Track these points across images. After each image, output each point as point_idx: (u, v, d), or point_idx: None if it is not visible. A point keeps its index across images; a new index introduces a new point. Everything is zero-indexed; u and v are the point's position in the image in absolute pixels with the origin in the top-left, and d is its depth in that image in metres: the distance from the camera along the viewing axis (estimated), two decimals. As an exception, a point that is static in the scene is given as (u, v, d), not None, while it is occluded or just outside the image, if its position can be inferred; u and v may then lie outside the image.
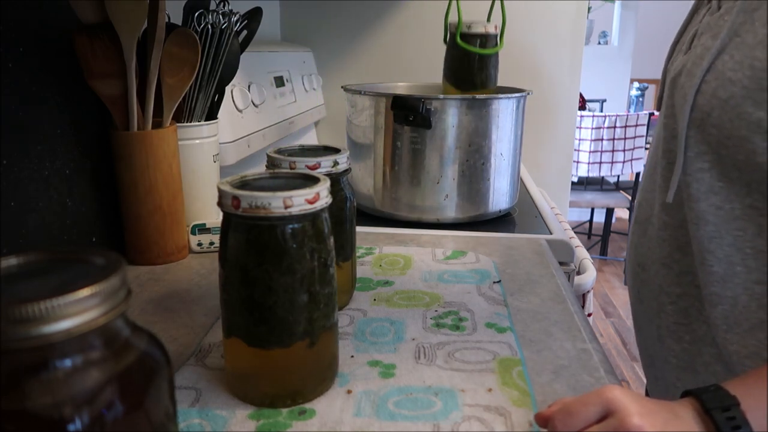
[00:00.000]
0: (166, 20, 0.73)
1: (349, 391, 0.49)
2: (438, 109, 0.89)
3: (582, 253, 1.01)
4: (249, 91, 1.07)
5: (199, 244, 0.80)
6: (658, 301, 0.67)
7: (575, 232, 1.36)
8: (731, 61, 0.54)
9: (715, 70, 0.56)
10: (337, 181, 0.59)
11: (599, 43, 4.12)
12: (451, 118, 0.90)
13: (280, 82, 1.28)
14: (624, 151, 2.91)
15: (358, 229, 0.66)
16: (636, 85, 3.79)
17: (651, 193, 0.70)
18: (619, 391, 0.42)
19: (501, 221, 0.99)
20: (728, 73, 0.54)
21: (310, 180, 0.47)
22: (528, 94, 0.98)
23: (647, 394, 0.86)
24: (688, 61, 0.61)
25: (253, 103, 1.08)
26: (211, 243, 0.81)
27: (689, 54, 0.61)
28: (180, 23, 0.79)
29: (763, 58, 0.51)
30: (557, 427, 0.41)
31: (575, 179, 3.13)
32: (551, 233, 0.91)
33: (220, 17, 0.80)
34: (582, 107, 3.12)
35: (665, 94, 0.66)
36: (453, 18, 1.07)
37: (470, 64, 1.05)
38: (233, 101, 1.01)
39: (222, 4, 0.81)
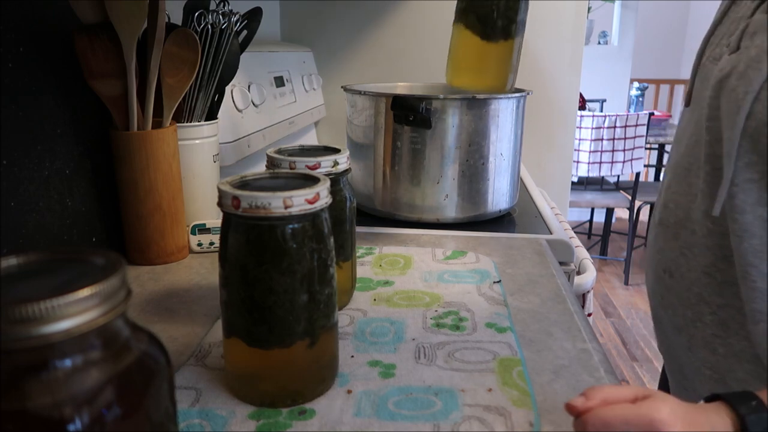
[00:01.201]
0: (166, 20, 0.73)
1: (349, 391, 0.49)
2: (438, 109, 0.89)
3: (582, 253, 1.01)
4: (249, 91, 1.07)
5: (199, 244, 0.80)
6: (694, 310, 0.64)
7: (575, 232, 1.36)
8: None
9: None
10: (337, 181, 0.59)
11: (599, 43, 4.12)
12: (451, 118, 0.90)
13: (280, 82, 1.28)
14: (624, 151, 2.91)
15: (358, 229, 0.66)
16: (636, 85, 3.78)
17: (685, 196, 0.65)
18: (667, 413, 0.38)
19: (501, 221, 0.99)
20: None
21: (310, 180, 0.47)
22: (528, 94, 0.98)
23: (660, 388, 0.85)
24: (740, 63, 0.56)
25: (253, 103, 1.08)
26: (211, 243, 0.81)
27: (740, 54, 0.57)
28: (180, 23, 0.79)
29: None
30: None
31: (575, 179, 3.13)
32: (551, 233, 0.91)
33: (220, 17, 0.80)
34: (582, 107, 3.12)
35: (709, 96, 0.61)
36: None
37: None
38: (233, 101, 1.01)
39: (222, 4, 0.81)
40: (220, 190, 0.44)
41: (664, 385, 0.84)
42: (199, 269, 0.76)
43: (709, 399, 0.44)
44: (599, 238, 3.60)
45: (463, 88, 0.99)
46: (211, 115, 0.85)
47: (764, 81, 0.52)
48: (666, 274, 0.68)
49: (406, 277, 0.72)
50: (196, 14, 0.78)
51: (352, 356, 0.54)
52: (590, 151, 2.91)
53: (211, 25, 0.79)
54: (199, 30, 0.78)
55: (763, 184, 0.55)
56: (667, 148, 3.38)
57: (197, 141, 0.82)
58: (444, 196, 0.93)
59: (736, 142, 0.55)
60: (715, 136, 0.60)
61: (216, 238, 0.80)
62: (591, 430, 0.39)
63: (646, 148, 3.00)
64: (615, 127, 2.86)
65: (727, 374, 0.62)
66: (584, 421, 0.39)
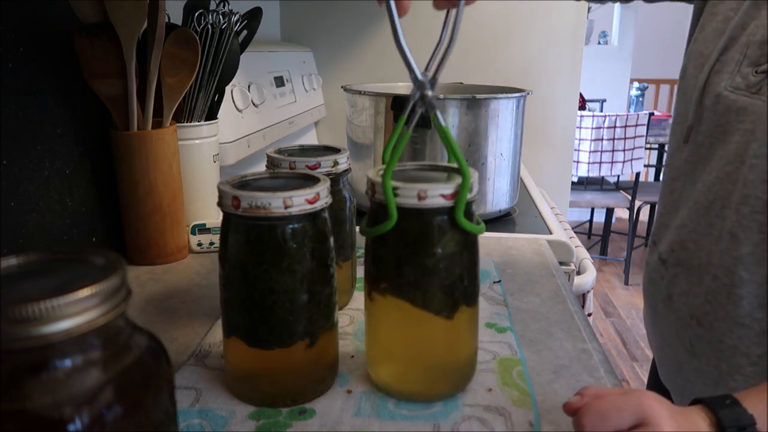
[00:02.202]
0: (166, 20, 0.73)
1: (349, 391, 0.49)
2: (438, 109, 0.89)
3: (582, 253, 1.01)
4: (249, 91, 1.07)
5: (199, 244, 0.80)
6: (731, 363, 0.60)
7: (575, 232, 1.36)
8: None
9: None
10: (337, 181, 0.59)
11: (599, 43, 4.12)
12: (451, 118, 0.90)
13: (280, 82, 1.28)
14: (624, 151, 2.91)
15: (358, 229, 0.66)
16: (636, 85, 3.78)
17: (707, 237, 0.61)
18: (655, 401, 0.40)
19: (501, 221, 0.99)
20: None
21: (310, 180, 0.47)
22: (528, 94, 0.98)
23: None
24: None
25: (253, 103, 1.08)
26: (211, 243, 0.81)
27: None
28: (180, 23, 0.79)
29: None
30: (586, 427, 0.40)
31: (575, 179, 3.13)
32: (551, 233, 0.91)
33: (220, 17, 0.80)
34: (582, 107, 3.12)
35: (713, 113, 0.58)
36: None
37: None
38: (233, 101, 1.01)
39: (222, 4, 0.81)
40: (220, 190, 0.44)
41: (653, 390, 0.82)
42: (199, 269, 0.76)
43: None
44: (599, 238, 3.60)
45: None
46: (211, 115, 0.85)
47: None
48: (694, 321, 0.63)
49: (406, 277, 0.72)
50: (196, 14, 0.78)
51: (352, 356, 0.54)
52: (590, 151, 2.91)
53: (211, 25, 0.79)
54: (199, 30, 0.78)
55: None
56: (668, 148, 3.37)
57: (197, 141, 0.82)
58: (444, 196, 0.93)
59: None
60: (760, 176, 0.55)
61: (216, 238, 0.80)
62: (587, 421, 0.40)
63: (646, 148, 3.00)
64: (615, 127, 2.86)
65: None
66: (581, 414, 0.41)
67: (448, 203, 0.42)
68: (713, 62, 0.61)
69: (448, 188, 0.42)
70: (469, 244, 0.45)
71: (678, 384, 0.70)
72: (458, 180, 0.43)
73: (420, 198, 0.42)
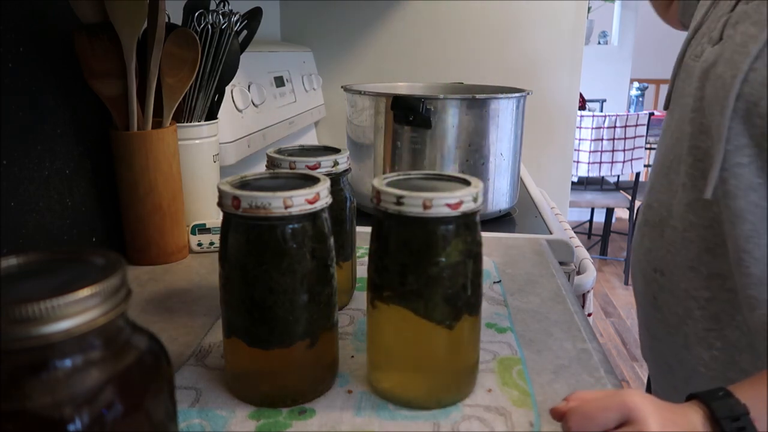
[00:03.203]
0: (166, 20, 0.73)
1: (349, 391, 0.49)
2: (438, 109, 0.89)
3: (582, 253, 1.01)
4: (249, 91, 1.07)
5: (199, 244, 0.80)
6: (683, 306, 0.64)
7: (575, 232, 1.36)
8: None
9: (764, 57, 0.53)
10: (337, 181, 0.59)
11: (599, 43, 4.12)
12: (451, 118, 0.90)
13: (280, 82, 1.28)
14: (624, 151, 2.91)
15: (358, 229, 0.66)
16: (636, 85, 3.78)
17: (667, 193, 0.67)
18: (639, 398, 0.41)
19: (501, 221, 0.99)
20: None
21: (310, 180, 0.47)
22: (528, 94, 0.98)
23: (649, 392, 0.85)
24: (725, 50, 0.57)
25: (253, 103, 1.08)
26: (211, 243, 0.81)
27: (724, 43, 0.58)
28: (180, 23, 0.79)
29: None
30: (572, 428, 0.41)
31: (575, 179, 3.13)
32: (551, 233, 0.91)
33: (220, 17, 0.80)
34: (582, 107, 3.12)
35: (692, 83, 0.62)
36: None
37: None
38: (233, 101, 1.01)
39: (222, 4, 0.81)
40: (220, 190, 0.44)
41: (651, 390, 0.83)
42: (199, 269, 0.76)
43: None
44: (599, 238, 3.60)
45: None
46: (211, 115, 0.85)
47: (751, 62, 0.53)
48: (657, 273, 0.68)
49: (406, 277, 0.72)
50: (196, 14, 0.78)
51: (352, 356, 0.54)
52: (590, 151, 2.91)
53: (211, 25, 0.79)
54: (199, 30, 0.78)
55: (753, 168, 0.55)
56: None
57: (197, 141, 0.82)
58: (444, 196, 0.93)
59: (726, 125, 0.55)
60: (698, 128, 0.61)
61: (216, 238, 0.80)
62: (573, 423, 0.41)
63: (646, 148, 3.00)
64: (615, 127, 2.86)
65: (727, 368, 0.62)
66: (567, 418, 0.41)
67: (453, 212, 0.42)
68: (690, 37, 0.67)
69: (453, 198, 0.42)
70: (473, 254, 0.45)
71: (648, 347, 0.74)
72: (464, 190, 0.43)
73: (425, 207, 0.42)
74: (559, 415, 0.42)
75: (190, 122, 0.81)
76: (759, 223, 0.55)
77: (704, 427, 0.42)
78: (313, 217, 0.45)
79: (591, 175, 2.94)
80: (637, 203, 3.13)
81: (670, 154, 0.66)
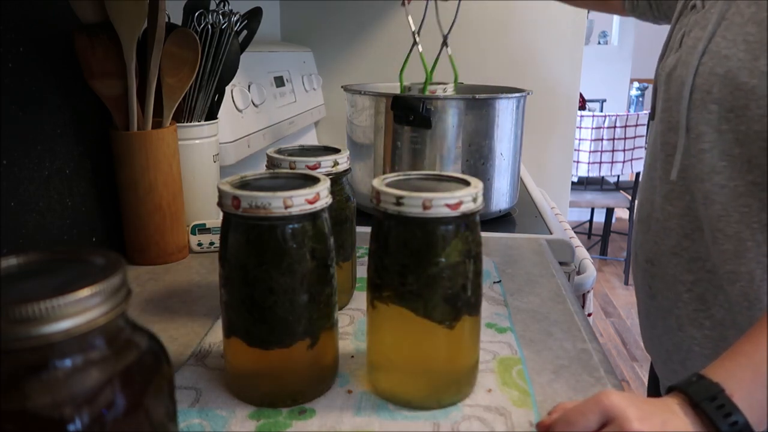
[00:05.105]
0: (166, 20, 0.73)
1: (349, 391, 0.49)
2: (438, 109, 0.89)
3: (582, 253, 1.01)
4: (249, 91, 1.07)
5: (199, 244, 0.80)
6: (673, 291, 0.68)
7: (575, 232, 1.36)
8: (724, 41, 0.58)
9: (710, 51, 0.60)
10: (337, 181, 0.59)
11: (599, 43, 4.12)
12: (451, 118, 0.90)
13: (280, 82, 1.28)
14: (624, 151, 2.91)
15: (358, 229, 0.66)
16: (636, 85, 3.79)
17: (649, 190, 0.72)
18: (616, 396, 0.42)
19: (501, 221, 0.99)
20: (723, 51, 0.58)
21: (310, 180, 0.47)
22: (528, 94, 0.98)
23: (652, 393, 0.85)
24: (682, 55, 0.64)
25: (253, 103, 1.08)
26: (211, 243, 0.81)
27: (681, 50, 0.65)
28: (180, 23, 0.79)
29: (754, 32, 0.56)
30: None
31: (575, 179, 3.13)
32: (551, 233, 0.91)
33: (220, 17, 0.80)
34: (582, 107, 3.12)
35: (661, 90, 0.68)
36: None
37: None
38: (233, 101, 1.01)
39: (222, 4, 0.81)
40: (220, 190, 0.44)
41: (653, 389, 0.84)
42: (199, 269, 0.76)
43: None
44: (599, 238, 3.60)
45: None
46: (211, 115, 0.85)
47: (699, 57, 0.60)
48: (648, 264, 0.72)
49: (406, 277, 0.72)
50: (196, 14, 0.78)
51: (352, 356, 0.54)
52: (590, 151, 2.91)
53: (211, 25, 0.79)
54: (199, 30, 0.78)
55: (715, 153, 0.60)
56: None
57: (197, 141, 0.82)
58: (444, 196, 0.93)
59: (685, 114, 0.62)
60: (667, 125, 0.67)
61: (216, 238, 0.80)
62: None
63: (645, 148, 3.00)
64: (615, 127, 2.86)
65: (719, 345, 0.64)
66: (551, 428, 0.42)
67: (453, 213, 0.42)
68: (665, 48, 0.72)
69: (453, 198, 0.42)
70: (473, 254, 0.45)
71: (648, 337, 0.77)
72: (463, 190, 0.43)
73: (425, 207, 0.42)
74: (544, 429, 0.43)
75: (190, 122, 0.81)
76: (726, 203, 0.60)
77: (685, 413, 0.42)
78: (313, 217, 0.45)
79: (591, 175, 2.94)
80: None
81: (651, 156, 0.72)
